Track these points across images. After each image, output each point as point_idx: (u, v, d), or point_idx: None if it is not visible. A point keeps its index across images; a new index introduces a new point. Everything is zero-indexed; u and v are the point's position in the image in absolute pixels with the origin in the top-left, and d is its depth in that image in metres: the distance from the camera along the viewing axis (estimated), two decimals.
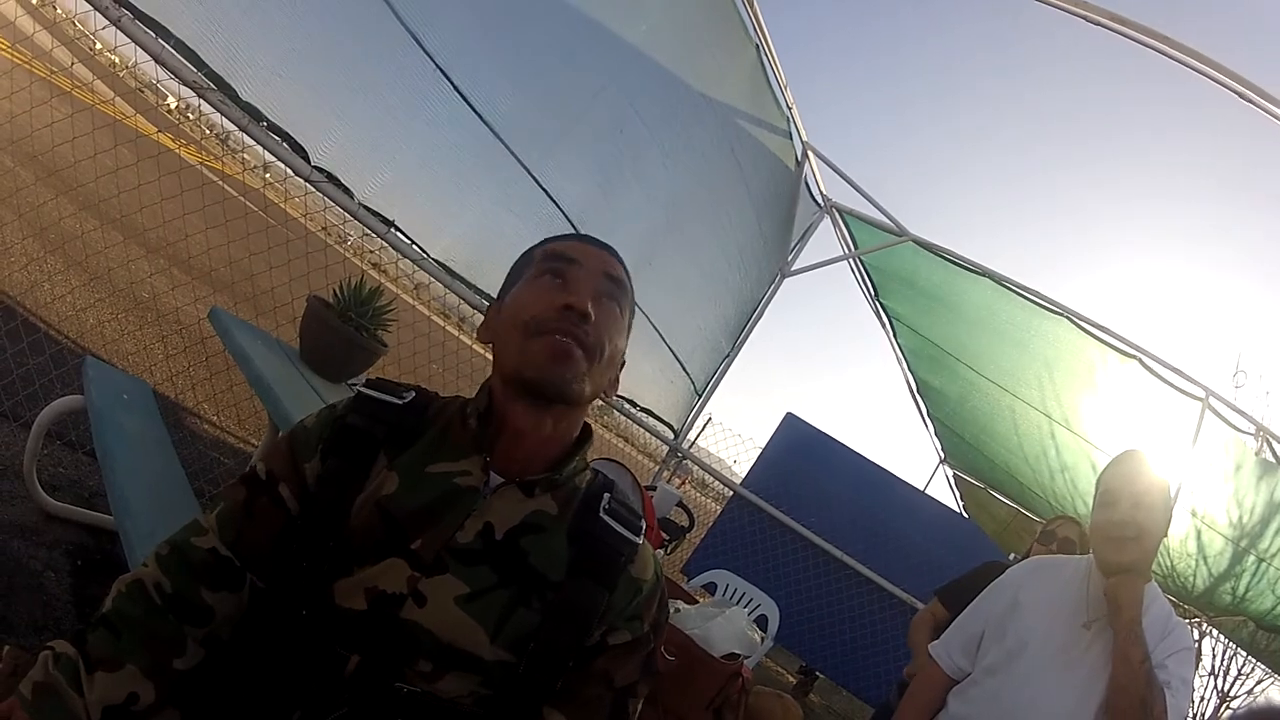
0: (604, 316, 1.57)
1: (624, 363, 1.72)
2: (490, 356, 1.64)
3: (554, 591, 1.52)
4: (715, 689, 2.52)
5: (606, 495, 1.66)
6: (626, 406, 6.97)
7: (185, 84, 3.60)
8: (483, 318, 1.71)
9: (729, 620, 2.67)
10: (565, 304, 1.52)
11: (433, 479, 1.56)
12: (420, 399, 1.71)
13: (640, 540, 1.64)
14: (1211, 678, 12.08)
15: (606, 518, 1.61)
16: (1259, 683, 11.95)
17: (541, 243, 1.69)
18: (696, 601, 3.08)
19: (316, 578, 1.50)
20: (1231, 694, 12.07)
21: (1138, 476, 2.90)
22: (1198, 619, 10.82)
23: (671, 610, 2.62)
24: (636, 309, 1.73)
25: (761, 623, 5.34)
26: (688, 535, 4.75)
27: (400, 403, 1.68)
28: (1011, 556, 6.51)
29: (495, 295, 4.85)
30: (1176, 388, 6.87)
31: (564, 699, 1.51)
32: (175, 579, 1.53)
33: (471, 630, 1.46)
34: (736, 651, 2.57)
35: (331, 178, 4.16)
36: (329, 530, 1.52)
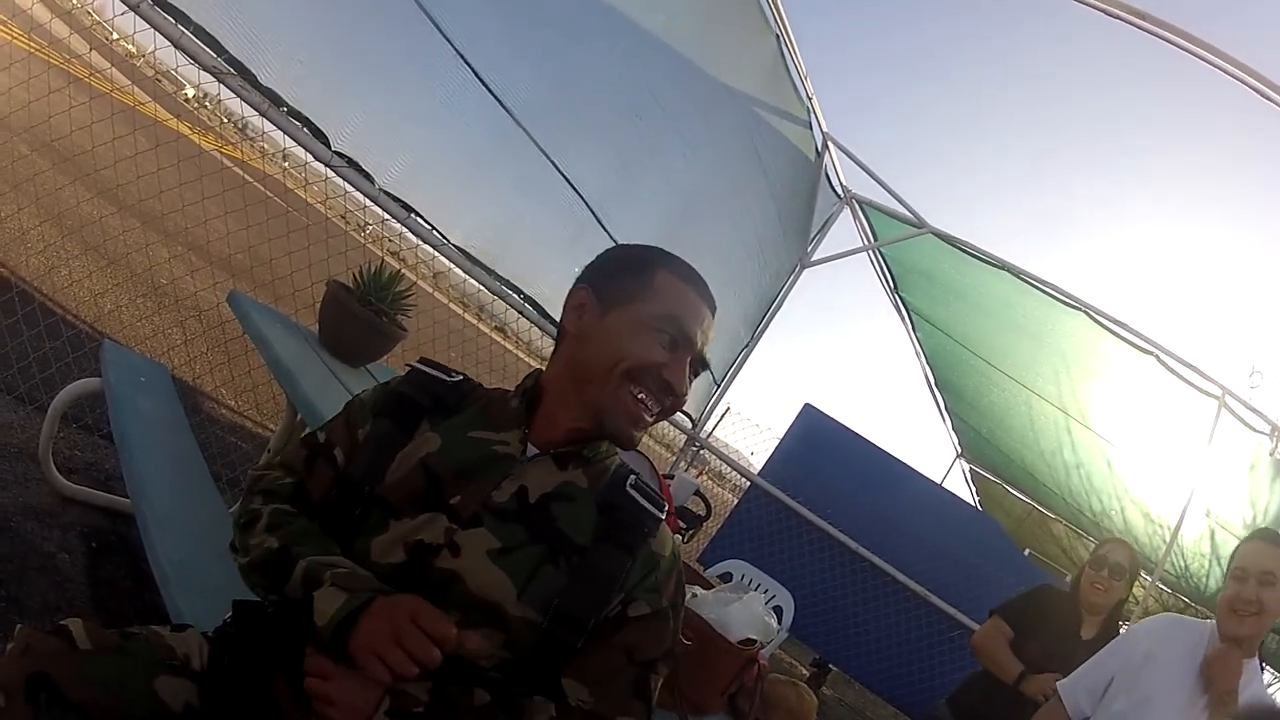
0: (688, 390, 1.74)
1: None
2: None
3: (579, 555, 1.62)
4: (731, 674, 2.52)
5: (633, 475, 1.78)
6: None
7: (204, 69, 3.60)
8: (576, 302, 1.79)
9: (745, 606, 2.67)
10: (667, 381, 1.69)
11: (473, 442, 1.71)
12: (467, 383, 1.88)
13: (662, 516, 1.74)
14: None
15: (632, 491, 1.73)
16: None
17: (667, 264, 1.79)
18: (713, 587, 3.08)
19: (353, 532, 1.62)
20: None
21: (1268, 556, 3.05)
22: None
23: (689, 595, 2.63)
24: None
25: (776, 614, 5.32)
26: (704, 524, 4.75)
27: (449, 380, 1.85)
28: (1027, 552, 6.50)
29: (515, 284, 4.77)
30: (1193, 385, 6.83)
31: (585, 671, 1.57)
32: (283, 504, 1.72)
33: (501, 583, 1.55)
34: (753, 637, 2.57)
35: (352, 163, 4.17)
36: (368, 477, 1.67)
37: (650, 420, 1.71)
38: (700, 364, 1.76)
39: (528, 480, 1.65)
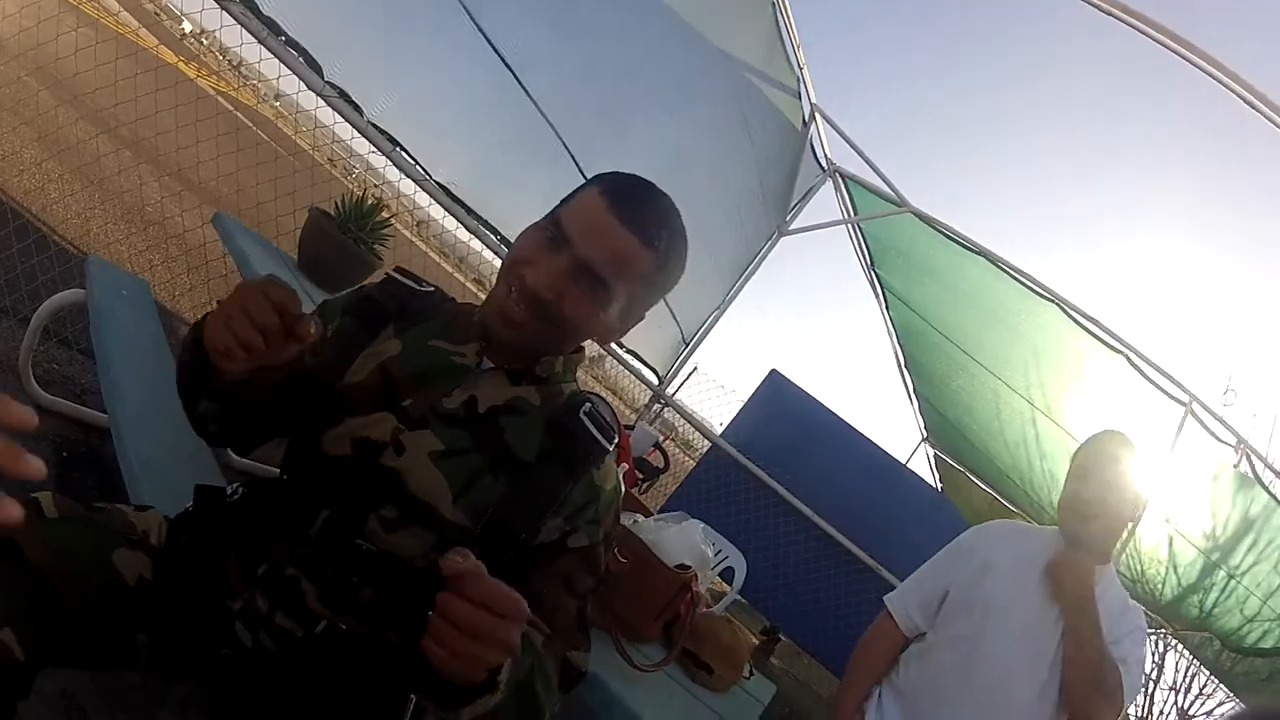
0: (569, 300, 1.63)
1: (627, 325, 1.83)
2: None
3: (521, 470, 1.65)
4: (665, 598, 2.56)
5: (588, 404, 1.77)
6: (611, 345, 6.83)
7: None
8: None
9: (683, 532, 2.72)
10: (521, 275, 1.61)
11: (432, 350, 1.73)
12: (437, 294, 1.91)
13: (611, 448, 1.74)
14: (1173, 693, 11.90)
15: (584, 418, 1.73)
16: (1220, 704, 11.77)
17: (603, 183, 1.70)
18: (652, 514, 3.14)
19: (308, 423, 1.65)
20: (1192, 713, 11.93)
21: (1114, 459, 2.94)
22: (1164, 629, 10.74)
23: (630, 521, 2.70)
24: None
25: (727, 575, 5.38)
26: (661, 477, 4.79)
27: (419, 289, 1.89)
28: None
29: (493, 225, 4.87)
30: (1161, 389, 6.88)
31: (534, 600, 1.50)
32: None
33: (438, 485, 1.58)
34: (687, 563, 2.64)
35: (343, 94, 4.23)
36: (329, 373, 1.69)
37: (521, 316, 1.62)
38: (595, 280, 1.63)
39: (478, 391, 1.69)
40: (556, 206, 1.73)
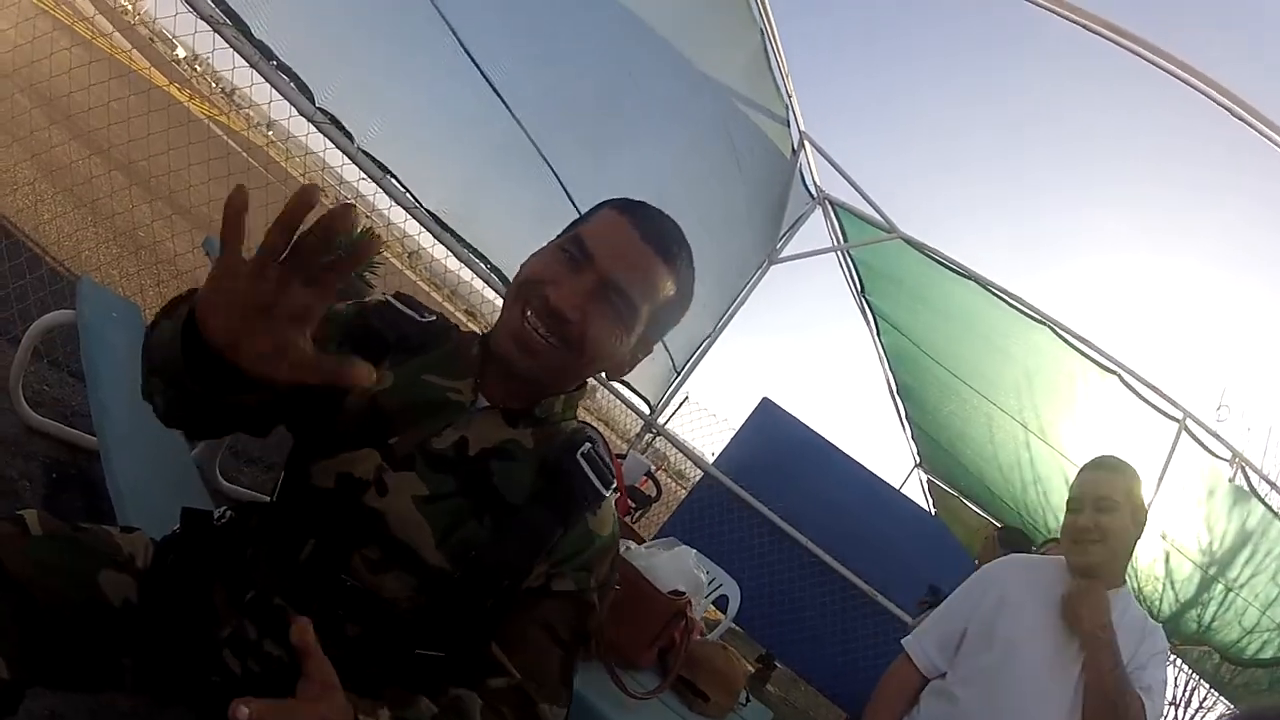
0: (593, 322, 1.57)
1: (638, 357, 1.79)
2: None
3: (508, 514, 1.57)
4: (660, 624, 2.53)
5: (588, 444, 1.69)
6: (601, 375, 6.78)
7: (201, 17, 3.67)
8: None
9: (676, 558, 2.69)
10: (545, 296, 1.54)
11: (425, 385, 1.64)
12: (439, 323, 1.78)
13: (608, 495, 1.67)
14: (1173, 708, 11.81)
15: (582, 460, 1.64)
16: (1220, 717, 11.67)
17: (621, 204, 1.68)
18: (644, 541, 3.11)
19: (298, 455, 1.60)
20: None
21: (1103, 482, 2.94)
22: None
23: (622, 548, 2.66)
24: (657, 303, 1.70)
25: (721, 603, 5.35)
26: (654, 505, 4.76)
27: (420, 319, 1.75)
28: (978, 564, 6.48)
29: (482, 252, 4.80)
30: (1155, 407, 6.90)
31: (514, 644, 1.54)
32: None
33: (420, 529, 1.53)
34: (681, 589, 2.61)
35: (334, 120, 4.22)
36: (319, 403, 1.59)
37: (540, 342, 1.55)
38: (621, 298, 1.59)
39: (470, 431, 1.61)
40: (570, 228, 1.69)
